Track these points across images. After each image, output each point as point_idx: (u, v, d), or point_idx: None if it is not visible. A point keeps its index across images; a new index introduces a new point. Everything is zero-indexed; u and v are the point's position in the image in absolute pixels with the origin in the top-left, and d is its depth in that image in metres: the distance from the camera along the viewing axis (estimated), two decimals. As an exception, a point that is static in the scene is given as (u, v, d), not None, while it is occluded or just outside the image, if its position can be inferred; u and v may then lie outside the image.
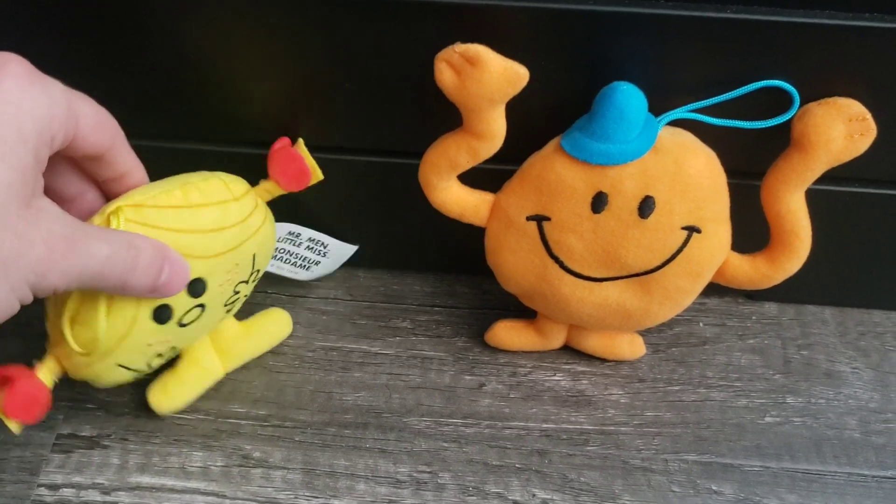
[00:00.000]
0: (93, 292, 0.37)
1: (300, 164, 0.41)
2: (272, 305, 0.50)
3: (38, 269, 0.31)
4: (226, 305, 0.43)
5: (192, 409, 0.46)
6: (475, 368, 0.49)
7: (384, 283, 0.53)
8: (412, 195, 0.43)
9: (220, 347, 0.47)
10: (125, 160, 0.38)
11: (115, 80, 0.43)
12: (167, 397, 0.45)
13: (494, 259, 0.44)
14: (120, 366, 0.40)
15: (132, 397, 0.47)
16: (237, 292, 0.43)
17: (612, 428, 0.46)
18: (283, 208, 0.44)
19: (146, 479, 0.43)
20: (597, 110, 0.39)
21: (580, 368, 0.49)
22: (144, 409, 0.46)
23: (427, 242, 0.51)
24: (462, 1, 0.38)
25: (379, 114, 0.43)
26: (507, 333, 0.49)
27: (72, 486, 0.43)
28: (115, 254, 0.34)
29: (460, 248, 0.47)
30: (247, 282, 0.43)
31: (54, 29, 0.41)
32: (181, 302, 0.39)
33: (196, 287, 0.39)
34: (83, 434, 0.45)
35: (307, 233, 0.46)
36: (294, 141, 0.43)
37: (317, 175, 0.42)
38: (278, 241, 0.46)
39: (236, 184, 0.41)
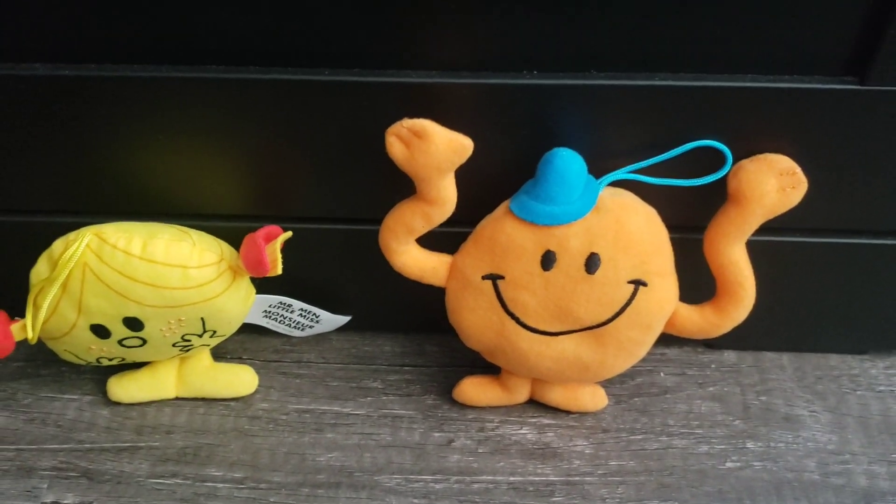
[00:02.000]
0: (52, 291, 0.43)
1: (259, 255, 0.43)
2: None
3: None
4: (175, 346, 0.47)
5: (170, 473, 0.48)
6: (444, 425, 0.50)
7: (355, 344, 0.55)
8: (376, 259, 0.45)
9: (182, 373, 0.51)
10: None
11: (95, 161, 0.46)
12: (120, 388, 0.51)
13: (455, 318, 0.46)
14: (68, 352, 0.47)
15: (113, 464, 0.48)
16: (187, 340, 0.47)
17: (578, 478, 0.48)
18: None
19: (125, 544, 0.45)
20: (540, 175, 0.41)
21: (546, 421, 0.51)
22: (125, 476, 0.48)
23: (396, 304, 0.53)
24: (409, 79, 0.41)
25: (338, 184, 0.46)
26: (473, 390, 0.50)
27: (53, 553, 0.44)
28: None
29: (428, 309, 0.49)
30: (200, 335, 0.46)
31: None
32: (118, 328, 0.45)
33: (132, 323, 0.44)
34: (66, 502, 0.46)
35: (298, 304, 0.49)
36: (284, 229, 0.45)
37: (275, 270, 0.43)
38: (271, 307, 0.48)
39: (208, 252, 0.44)
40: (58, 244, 0.44)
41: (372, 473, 0.48)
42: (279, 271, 0.43)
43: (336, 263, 0.51)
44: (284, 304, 0.49)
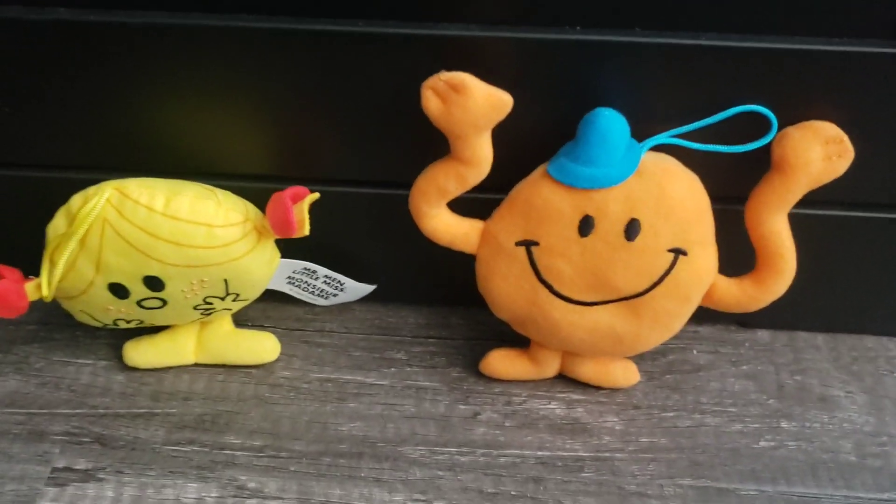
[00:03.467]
0: (70, 246, 0.41)
1: (286, 214, 0.41)
2: (269, 335, 0.51)
3: None
4: (196, 309, 0.46)
5: (187, 440, 0.46)
6: (470, 398, 0.49)
7: (379, 315, 0.54)
8: (404, 226, 0.44)
9: (202, 338, 0.50)
10: None
11: (117, 114, 0.44)
12: (136, 352, 0.49)
13: (485, 286, 0.45)
14: (84, 312, 0.45)
15: (128, 430, 0.47)
16: (209, 303, 0.45)
17: (608, 454, 0.46)
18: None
19: (141, 512, 0.43)
20: (581, 136, 0.40)
21: (575, 397, 0.49)
22: (140, 442, 0.46)
23: (421, 275, 0.52)
24: (447, 32, 0.39)
25: (369, 144, 0.45)
26: (501, 362, 0.49)
27: (67, 519, 0.43)
28: None
29: (454, 280, 0.48)
30: (222, 298, 0.45)
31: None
32: (137, 288, 0.43)
33: (153, 282, 0.43)
34: (78, 468, 0.45)
35: (323, 271, 0.47)
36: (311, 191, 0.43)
37: (302, 230, 0.42)
38: (296, 273, 0.47)
39: (233, 212, 0.42)
40: (76, 198, 0.42)
41: (395, 444, 0.47)
42: (306, 232, 0.42)
43: (363, 229, 0.49)
44: (309, 270, 0.47)
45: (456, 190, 0.42)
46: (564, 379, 0.50)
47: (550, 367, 0.49)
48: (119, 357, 0.50)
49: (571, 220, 0.41)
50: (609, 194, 0.40)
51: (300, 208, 0.41)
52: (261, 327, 0.52)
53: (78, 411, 0.48)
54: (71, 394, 0.49)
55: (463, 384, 0.50)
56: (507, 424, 0.48)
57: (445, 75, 0.38)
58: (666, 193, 0.40)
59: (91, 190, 0.42)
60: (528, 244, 0.42)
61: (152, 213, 0.41)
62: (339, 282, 0.48)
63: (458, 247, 0.44)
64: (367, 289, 0.49)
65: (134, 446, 0.46)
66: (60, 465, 0.45)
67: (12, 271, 0.43)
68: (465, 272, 0.45)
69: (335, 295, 0.49)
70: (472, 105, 0.38)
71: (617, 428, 0.48)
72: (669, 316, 0.44)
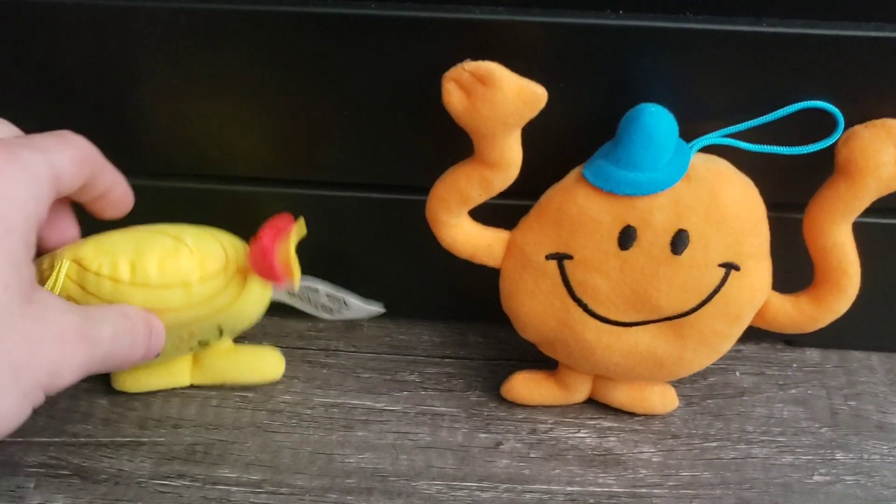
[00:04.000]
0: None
1: (269, 262, 0.36)
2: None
3: (51, 370, 0.28)
4: (191, 349, 0.42)
5: (176, 473, 0.42)
6: (491, 425, 0.45)
7: (389, 332, 0.50)
8: (419, 235, 0.40)
9: (199, 356, 0.45)
10: (105, 180, 0.35)
11: (110, 117, 0.40)
12: (127, 376, 0.45)
13: (510, 303, 0.40)
14: None
15: (111, 462, 0.42)
16: (204, 343, 0.41)
17: (645, 490, 0.42)
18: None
19: (124, 556, 0.39)
20: (623, 135, 0.35)
21: (607, 424, 0.45)
22: (124, 476, 0.42)
23: (436, 288, 0.48)
24: (471, 16, 0.35)
25: (380, 143, 0.40)
26: (525, 386, 0.45)
27: (41, 564, 0.39)
28: (117, 331, 0.33)
29: (472, 294, 0.44)
30: (218, 336, 0.41)
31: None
32: None
33: None
34: (55, 505, 0.41)
35: (325, 289, 0.44)
36: (296, 223, 0.39)
37: (290, 279, 0.37)
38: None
39: (210, 260, 0.37)
40: (42, 264, 0.37)
41: (409, 479, 0.42)
42: (296, 284, 0.38)
43: (372, 238, 0.45)
44: (310, 287, 0.43)
45: (480, 196, 0.37)
46: (595, 404, 0.46)
47: (580, 392, 0.44)
48: (103, 379, 0.46)
49: (610, 231, 0.36)
50: (654, 202, 0.36)
51: (284, 252, 0.37)
52: (260, 344, 0.48)
53: (56, 440, 0.43)
54: (49, 419, 0.44)
55: (483, 409, 0.46)
56: (532, 455, 0.43)
57: (470, 65, 0.33)
58: (718, 201, 0.36)
59: (45, 263, 0.37)
60: (560, 258, 0.38)
61: (118, 284, 0.36)
62: (343, 301, 0.44)
63: (480, 260, 0.40)
64: (374, 311, 0.45)
65: (117, 480, 0.42)
66: (35, 501, 0.41)
67: None
68: (484, 285, 0.41)
69: (340, 312, 0.45)
70: (501, 99, 0.33)
71: (654, 460, 0.43)
72: (717, 337, 0.39)
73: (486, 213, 0.39)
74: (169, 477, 0.42)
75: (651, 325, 0.39)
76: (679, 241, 0.36)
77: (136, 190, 0.38)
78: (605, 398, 0.45)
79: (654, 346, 0.39)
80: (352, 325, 0.50)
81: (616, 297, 0.38)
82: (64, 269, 0.36)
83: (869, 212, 0.37)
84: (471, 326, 0.50)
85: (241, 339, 0.48)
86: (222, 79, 0.38)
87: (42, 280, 0.36)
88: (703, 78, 0.36)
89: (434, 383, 0.47)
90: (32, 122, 0.37)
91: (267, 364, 0.46)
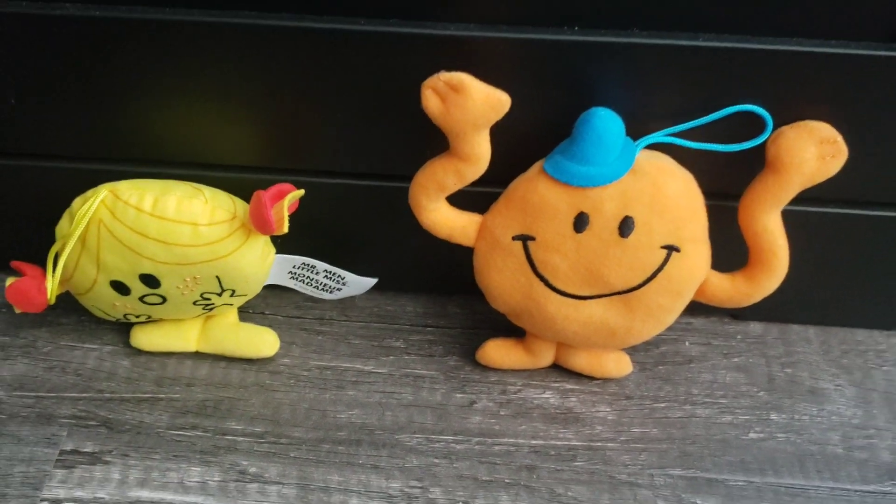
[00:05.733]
0: (69, 247, 0.43)
1: (264, 213, 0.42)
2: (269, 325, 0.52)
3: None
4: (195, 304, 0.47)
5: (190, 425, 0.48)
6: (466, 386, 0.50)
7: (378, 304, 0.55)
8: (402, 217, 0.45)
9: (205, 327, 0.51)
10: None
11: (120, 107, 0.45)
12: (144, 336, 0.50)
13: (482, 278, 0.46)
14: (96, 307, 0.47)
15: (133, 415, 0.48)
16: (207, 298, 0.46)
17: (600, 444, 0.47)
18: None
19: (145, 494, 0.45)
20: (577, 134, 0.40)
21: (569, 386, 0.50)
22: (145, 427, 0.47)
23: (419, 264, 0.53)
24: (447, 32, 0.40)
25: (369, 138, 0.45)
26: (497, 352, 0.50)
27: (73, 500, 0.44)
28: None
29: (452, 270, 0.48)
30: (219, 294, 0.46)
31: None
32: (136, 285, 0.45)
33: (149, 280, 0.44)
34: (85, 450, 0.46)
35: (322, 266, 0.48)
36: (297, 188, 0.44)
37: (280, 229, 0.43)
38: (296, 268, 0.48)
39: (220, 209, 0.43)
40: (77, 200, 0.44)
41: (393, 432, 0.48)
42: (285, 230, 0.43)
43: (360, 220, 0.50)
44: (308, 265, 0.48)
45: (454, 185, 0.42)
46: (559, 369, 0.51)
47: (545, 358, 0.50)
48: (123, 342, 0.51)
49: (567, 217, 0.42)
50: (604, 192, 0.41)
51: (279, 207, 0.42)
52: (261, 314, 0.53)
53: (84, 395, 0.49)
54: (78, 378, 0.50)
55: (459, 373, 0.51)
56: (502, 413, 0.49)
57: (445, 76, 0.38)
58: (660, 192, 0.41)
59: (89, 192, 0.43)
60: (525, 239, 0.43)
61: (140, 213, 0.42)
62: (340, 276, 0.49)
63: (456, 240, 0.45)
64: (369, 282, 0.50)
65: (139, 430, 0.47)
66: (68, 447, 0.46)
67: (32, 268, 0.45)
68: (462, 261, 0.46)
69: (339, 289, 0.50)
70: (471, 105, 0.38)
71: (609, 418, 0.49)
72: (662, 310, 0.44)
73: (461, 199, 0.44)
74: (184, 428, 0.48)
75: (604, 299, 0.44)
76: (626, 227, 0.41)
77: (150, 177, 0.44)
78: (567, 363, 0.50)
79: (606, 318, 0.45)
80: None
81: (573, 273, 0.43)
82: (100, 196, 0.42)
83: (800, 201, 0.42)
84: (450, 298, 0.55)
85: (243, 310, 0.53)
86: (227, 83, 0.43)
87: (83, 203, 0.42)
88: (649, 85, 0.41)
89: (417, 349, 0.52)
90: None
91: (263, 341, 0.51)
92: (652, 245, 0.42)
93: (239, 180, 0.47)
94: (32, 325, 0.52)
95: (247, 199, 0.45)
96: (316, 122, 0.45)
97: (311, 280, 0.49)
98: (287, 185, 0.44)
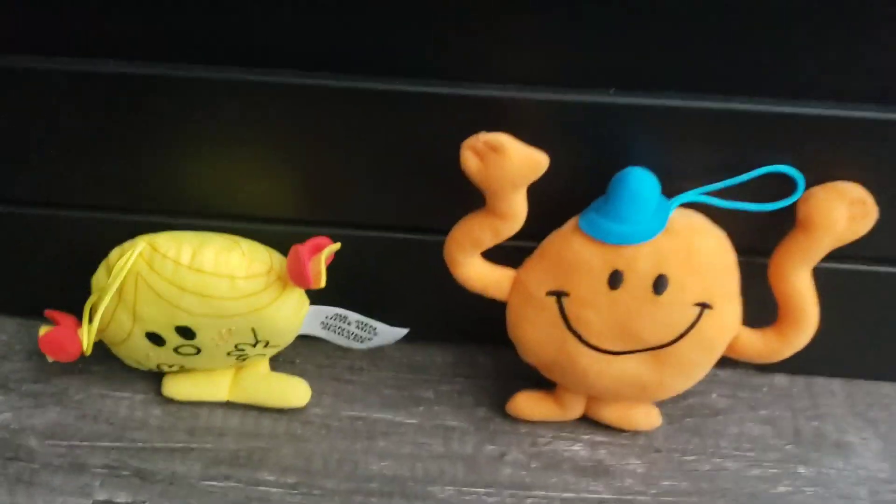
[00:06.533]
0: (106, 299, 0.43)
1: (301, 267, 0.42)
2: (300, 374, 0.52)
3: None
4: (229, 355, 0.47)
5: (222, 476, 0.48)
6: (496, 438, 0.50)
7: (407, 354, 0.55)
8: (435, 269, 0.45)
9: (237, 377, 0.51)
10: None
11: (151, 160, 0.46)
12: (175, 385, 0.51)
13: (515, 332, 0.46)
14: (130, 358, 0.48)
15: (166, 464, 0.48)
16: (241, 349, 0.47)
17: (630, 497, 0.48)
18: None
19: (179, 546, 0.45)
20: (612, 193, 0.41)
21: (598, 438, 0.50)
22: (178, 477, 0.48)
23: (449, 314, 0.53)
24: (486, 92, 0.41)
25: (401, 192, 0.46)
26: (527, 404, 0.50)
27: (107, 551, 0.44)
28: None
29: (481, 320, 0.48)
30: (253, 345, 0.47)
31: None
32: (171, 336, 0.45)
33: (185, 332, 0.45)
34: (118, 500, 0.46)
35: (354, 316, 0.48)
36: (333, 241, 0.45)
37: (317, 283, 0.43)
38: (328, 318, 0.48)
39: (257, 263, 0.44)
40: (114, 252, 0.44)
41: (424, 484, 0.48)
42: (322, 285, 0.43)
43: (392, 271, 0.51)
44: (340, 315, 0.48)
45: (490, 241, 0.43)
46: (588, 421, 0.51)
47: (575, 410, 0.50)
48: (155, 391, 0.52)
49: (601, 274, 0.42)
50: (638, 251, 0.41)
51: (317, 261, 0.43)
52: (291, 363, 0.54)
53: (117, 444, 0.49)
54: (110, 426, 0.50)
55: (489, 424, 0.51)
56: (532, 465, 0.49)
57: (484, 136, 0.39)
58: (694, 250, 0.41)
59: (126, 244, 0.44)
60: (559, 294, 0.44)
61: (178, 266, 0.43)
62: (372, 326, 0.49)
63: (489, 294, 0.45)
64: (400, 333, 0.50)
65: (172, 480, 0.48)
66: (101, 497, 0.47)
67: (66, 317, 0.45)
68: (491, 312, 0.46)
69: (370, 339, 0.50)
70: (509, 165, 0.39)
71: (639, 471, 0.49)
72: (693, 366, 0.45)
73: (495, 252, 0.44)
74: (216, 478, 0.48)
75: (636, 354, 0.45)
76: (660, 284, 0.42)
77: (189, 227, 0.45)
78: (597, 416, 0.50)
79: (638, 373, 0.45)
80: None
81: (606, 329, 0.44)
82: (138, 249, 0.43)
83: (828, 258, 0.42)
84: (480, 348, 0.55)
85: (274, 358, 0.54)
86: (268, 137, 0.44)
87: (121, 255, 0.43)
88: (684, 145, 0.42)
89: (446, 400, 0.52)
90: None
91: (294, 392, 0.51)
92: (685, 302, 0.42)
93: (273, 232, 0.48)
94: (64, 373, 0.53)
95: (282, 250, 0.46)
96: (352, 176, 0.46)
97: (343, 330, 0.50)
98: (324, 239, 0.44)
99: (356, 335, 0.50)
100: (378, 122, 0.43)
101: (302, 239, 0.46)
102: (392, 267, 0.51)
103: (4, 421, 0.50)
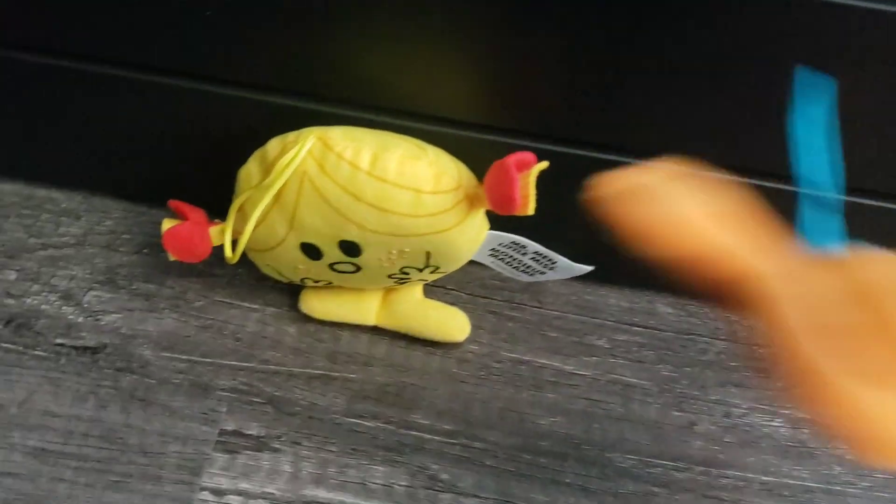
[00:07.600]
0: (265, 201, 0.36)
1: (510, 188, 0.34)
2: (452, 302, 0.45)
3: None
4: (390, 277, 0.40)
5: (371, 415, 0.41)
6: (683, 404, 0.43)
7: (575, 292, 0.48)
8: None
9: (388, 300, 0.44)
10: None
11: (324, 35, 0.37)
12: (318, 302, 0.44)
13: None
14: (271, 267, 0.40)
15: (304, 394, 0.41)
16: (405, 273, 0.39)
17: (839, 488, 0.41)
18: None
19: (322, 494, 0.38)
20: None
21: (801, 415, 0.44)
22: (319, 411, 0.41)
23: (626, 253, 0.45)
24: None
25: (614, 101, 0.38)
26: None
27: (239, 493, 0.38)
28: None
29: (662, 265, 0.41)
30: (420, 270, 0.39)
31: None
32: (332, 251, 0.38)
33: (349, 248, 0.37)
34: (249, 432, 0.40)
35: (533, 246, 0.41)
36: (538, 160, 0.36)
37: (526, 208, 0.35)
38: (501, 246, 0.40)
39: (446, 177, 0.36)
40: (274, 144, 0.36)
41: (602, 449, 0.41)
42: (531, 210, 0.35)
43: (571, 196, 0.43)
44: (517, 244, 0.41)
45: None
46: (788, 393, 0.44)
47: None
48: (289, 305, 0.44)
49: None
50: None
51: (525, 182, 0.35)
52: (443, 289, 0.46)
53: (246, 365, 0.42)
54: (237, 343, 0.43)
55: (675, 386, 0.44)
56: (726, 440, 0.42)
57: None
58: None
59: (291, 136, 0.36)
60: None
61: (356, 171, 0.35)
62: (551, 260, 0.42)
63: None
64: (582, 269, 0.43)
65: (311, 414, 0.41)
66: (229, 427, 0.40)
67: (196, 212, 0.38)
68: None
69: (542, 273, 0.43)
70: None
71: (847, 457, 0.42)
72: None
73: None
74: (363, 416, 0.41)
75: None
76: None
77: (357, 122, 0.38)
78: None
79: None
80: (539, 280, 0.48)
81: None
82: (308, 145, 0.35)
83: None
84: (659, 296, 0.48)
85: (426, 290, 0.46)
86: (462, 27, 0.36)
87: (284, 150, 0.35)
88: None
89: (623, 352, 0.45)
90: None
91: (454, 324, 0.44)
92: None
93: (455, 137, 0.40)
94: (180, 274, 0.45)
95: (465, 160, 0.38)
96: (548, 79, 0.37)
97: (514, 260, 0.42)
98: (528, 154, 0.36)
99: (529, 267, 0.42)
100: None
101: (479, 148, 0.38)
102: (572, 190, 0.42)
103: (113, 323, 0.43)
